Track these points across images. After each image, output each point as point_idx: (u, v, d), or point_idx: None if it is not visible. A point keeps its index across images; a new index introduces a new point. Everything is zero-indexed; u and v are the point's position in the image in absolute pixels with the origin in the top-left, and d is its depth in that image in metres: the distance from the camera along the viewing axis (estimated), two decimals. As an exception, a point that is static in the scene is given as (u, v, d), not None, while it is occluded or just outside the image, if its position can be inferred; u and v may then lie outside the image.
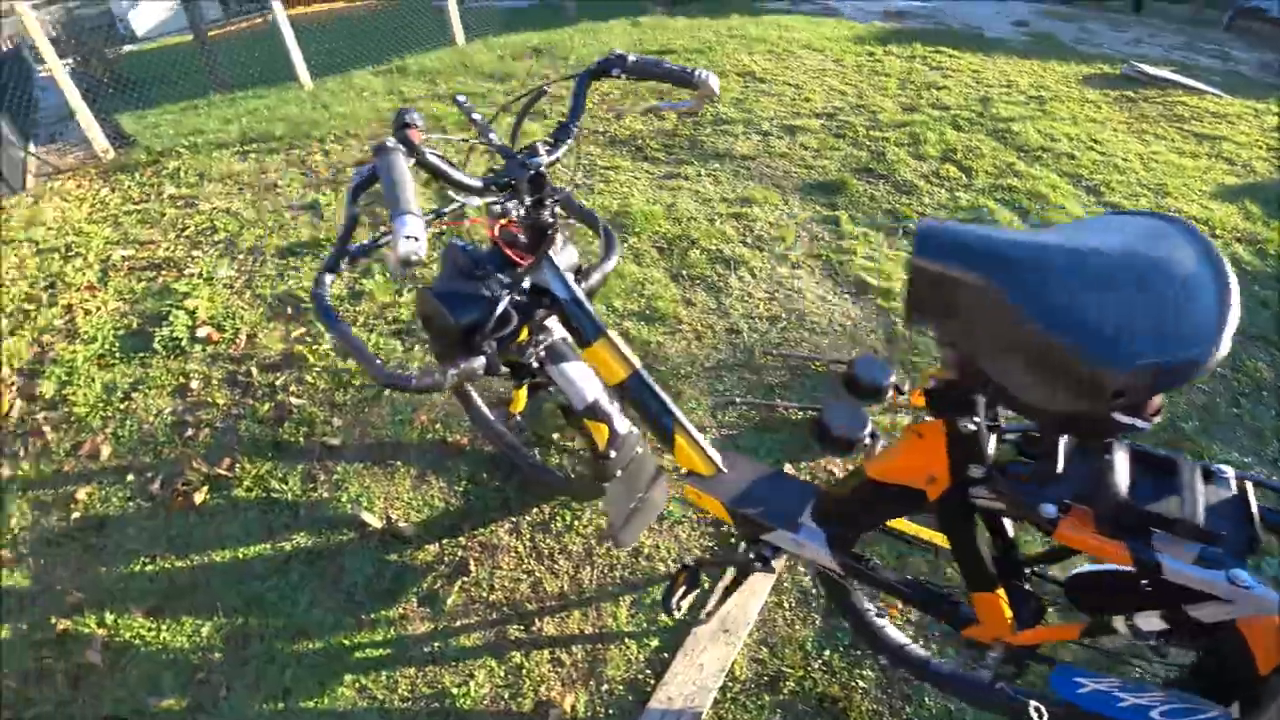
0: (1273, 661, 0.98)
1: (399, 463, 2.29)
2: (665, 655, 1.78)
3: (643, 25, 6.23)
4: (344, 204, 1.35)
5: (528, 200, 1.39)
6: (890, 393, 2.58)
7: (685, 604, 1.68)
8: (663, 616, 1.86)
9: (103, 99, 5.08)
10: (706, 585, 1.91)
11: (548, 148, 1.43)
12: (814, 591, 1.94)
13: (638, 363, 1.46)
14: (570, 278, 1.51)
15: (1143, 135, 4.52)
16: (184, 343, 2.91)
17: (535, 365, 1.58)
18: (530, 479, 2.18)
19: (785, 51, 5.51)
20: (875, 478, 1.25)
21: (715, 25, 6.19)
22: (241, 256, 3.56)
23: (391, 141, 1.20)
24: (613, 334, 1.44)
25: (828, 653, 1.83)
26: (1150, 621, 1.03)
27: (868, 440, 2.38)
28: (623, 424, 1.62)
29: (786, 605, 1.92)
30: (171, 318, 3.07)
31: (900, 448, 1.22)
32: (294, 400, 2.54)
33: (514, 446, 2.19)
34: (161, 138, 5.04)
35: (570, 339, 1.58)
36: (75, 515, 2.24)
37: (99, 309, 3.32)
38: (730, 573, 1.91)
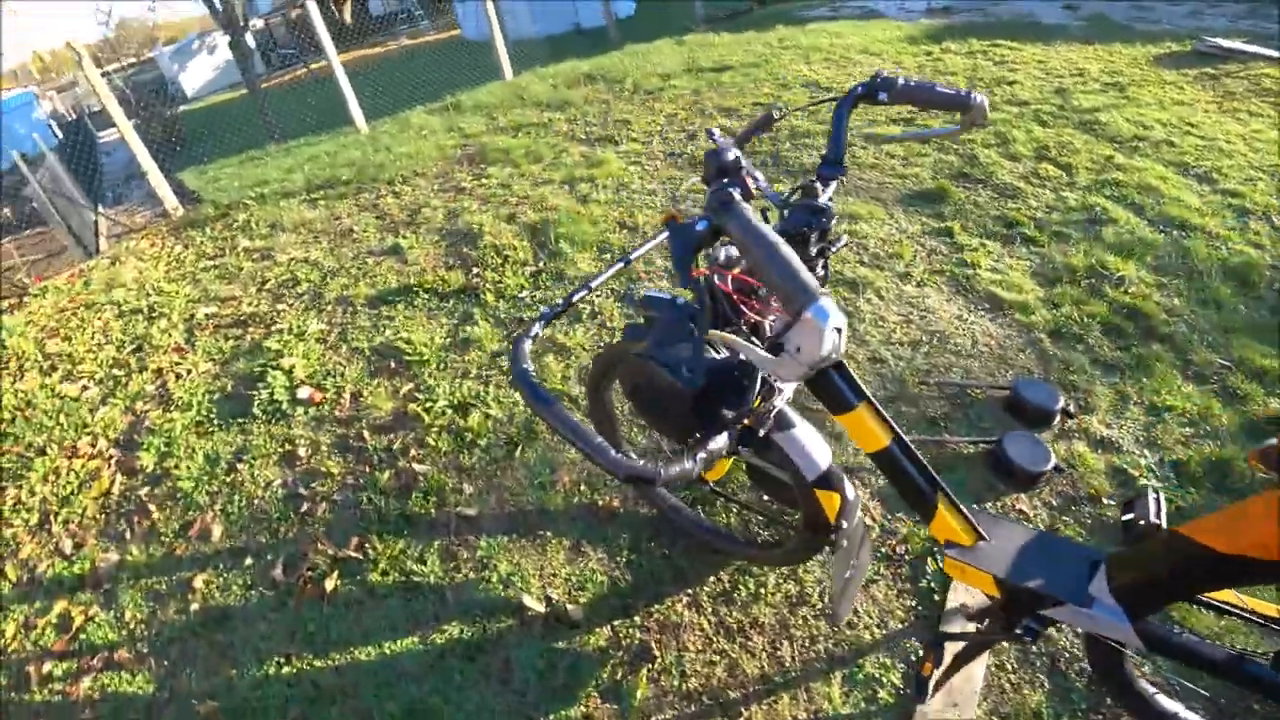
0: None
1: (548, 533, 2.14)
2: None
3: (689, 44, 6.13)
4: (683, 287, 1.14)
5: (812, 250, 1.26)
6: (1059, 417, 2.43)
7: (938, 686, 1.53)
8: (882, 694, 1.72)
9: (166, 158, 5.07)
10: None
11: (820, 188, 1.29)
12: (1035, 649, 1.78)
13: (897, 428, 1.32)
14: None
15: (1236, 114, 4.31)
16: (284, 405, 2.83)
17: (763, 434, 1.45)
18: (705, 543, 2.05)
19: (843, 58, 5.37)
20: (1218, 549, 1.10)
21: (764, 38, 6.07)
22: (329, 308, 3.49)
23: (730, 192, 1.05)
24: (869, 405, 1.31)
25: (1065, 719, 1.68)
26: None
27: (1052, 473, 2.23)
28: (851, 490, 1.50)
29: (1009, 667, 1.77)
30: (269, 378, 2.99)
31: (1241, 513, 1.08)
32: (416, 466, 2.42)
33: (677, 508, 2.07)
34: (226, 191, 5.01)
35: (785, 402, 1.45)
36: (195, 607, 2.11)
37: (190, 371, 3.27)
38: (980, 653, 1.76)
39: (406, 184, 4.53)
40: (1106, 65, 5.11)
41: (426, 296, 3.28)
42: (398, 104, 5.67)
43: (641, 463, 1.01)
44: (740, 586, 1.95)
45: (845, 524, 1.49)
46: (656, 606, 1.92)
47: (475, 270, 3.36)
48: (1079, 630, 1.60)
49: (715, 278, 1.30)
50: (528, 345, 1.21)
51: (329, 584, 2.09)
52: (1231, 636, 1.67)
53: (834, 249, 1.31)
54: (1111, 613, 1.28)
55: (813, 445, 1.45)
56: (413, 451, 2.49)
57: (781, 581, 1.95)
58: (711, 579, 1.97)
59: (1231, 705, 1.57)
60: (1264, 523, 1.04)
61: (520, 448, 2.42)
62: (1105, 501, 2.11)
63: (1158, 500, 1.27)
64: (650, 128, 4.42)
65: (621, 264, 1.45)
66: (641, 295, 1.49)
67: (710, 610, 1.91)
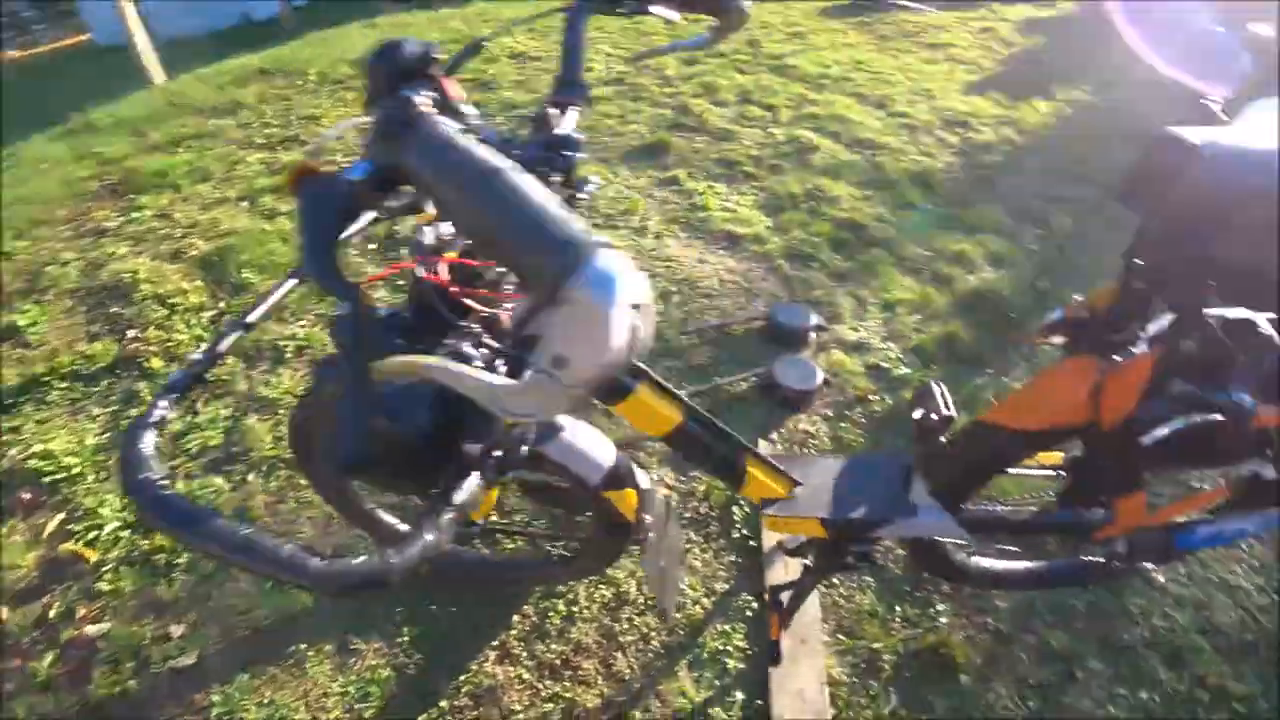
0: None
1: (301, 644, 1.59)
2: (759, 702, 1.47)
3: (380, 26, 5.56)
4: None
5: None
6: (814, 333, 2.45)
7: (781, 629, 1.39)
8: (731, 663, 1.55)
9: None
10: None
11: (556, 116, 0.96)
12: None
13: (686, 400, 1.09)
14: None
15: (890, 52, 4.87)
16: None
17: (524, 452, 1.10)
18: (496, 581, 1.71)
19: (548, 27, 5.20)
20: (1021, 427, 1.11)
21: (463, 13, 5.70)
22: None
23: (413, 100, 0.69)
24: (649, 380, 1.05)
25: (899, 608, 1.65)
26: None
27: (822, 387, 2.22)
28: (645, 478, 1.26)
29: (835, 580, 1.70)
30: None
31: (1047, 388, 1.14)
32: (91, 630, 1.64)
33: (451, 555, 1.69)
34: None
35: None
36: None
37: None
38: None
39: (21, 239, 3.38)
40: (785, 18, 5.52)
41: (65, 386, 2.36)
42: (8, 133, 4.43)
43: (361, 559, 0.63)
44: (550, 615, 1.64)
45: (647, 517, 1.24)
46: (462, 677, 1.54)
47: (132, 333, 2.52)
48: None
49: (422, 269, 0.89)
50: (149, 440, 0.69)
51: None
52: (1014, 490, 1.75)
53: (583, 193, 0.97)
54: (935, 514, 1.23)
55: (590, 446, 1.18)
56: (81, 611, 1.74)
57: (593, 591, 1.68)
58: (516, 619, 1.64)
59: (1030, 549, 1.64)
60: (1071, 391, 1.06)
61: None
62: (871, 399, 2.14)
63: (941, 391, 1.19)
64: (344, 120, 3.86)
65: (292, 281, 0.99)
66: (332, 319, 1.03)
67: (525, 655, 1.58)
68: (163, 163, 3.65)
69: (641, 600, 1.66)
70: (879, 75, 4.39)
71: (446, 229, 0.94)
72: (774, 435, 2.01)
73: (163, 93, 4.56)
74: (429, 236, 0.92)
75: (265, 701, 1.50)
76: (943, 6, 5.81)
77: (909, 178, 3.30)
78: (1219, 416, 0.99)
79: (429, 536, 0.68)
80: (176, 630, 1.63)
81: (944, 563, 1.44)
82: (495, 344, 0.84)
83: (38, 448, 2.09)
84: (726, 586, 1.68)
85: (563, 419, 1.17)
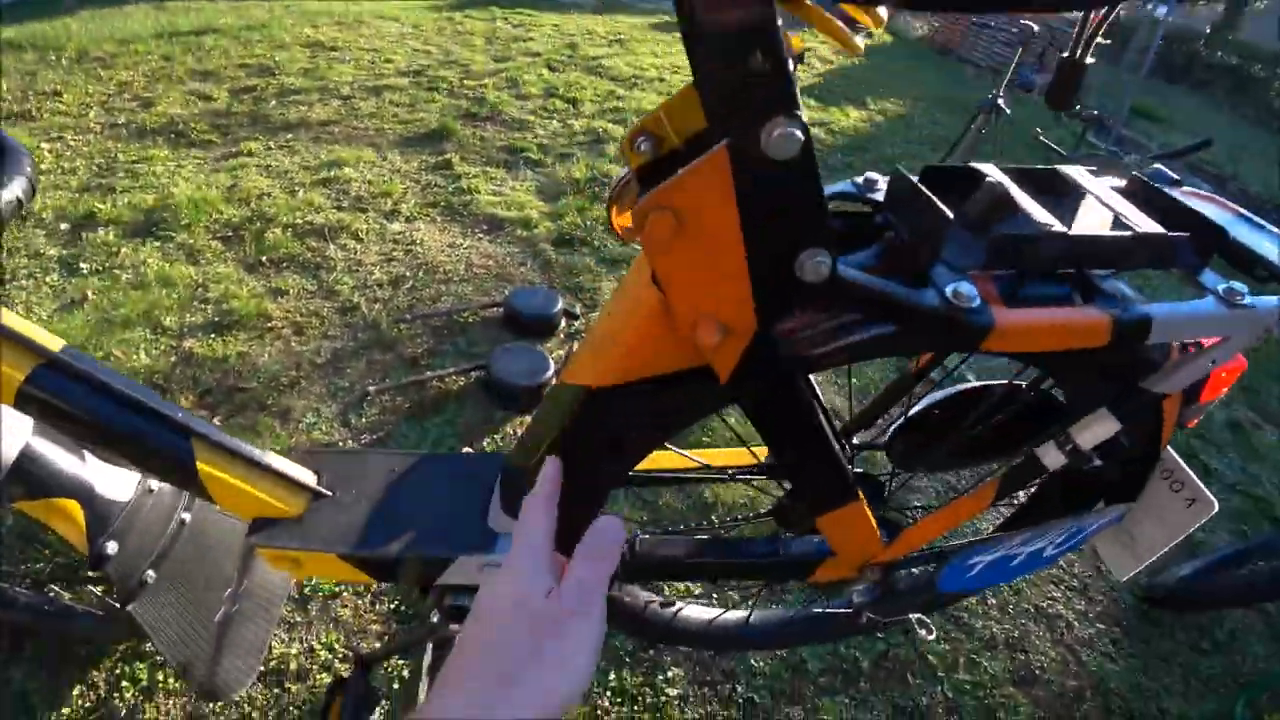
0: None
1: None
2: None
3: (170, 9, 4.84)
4: None
5: None
6: (563, 321, 2.09)
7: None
8: None
9: None
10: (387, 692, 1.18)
11: None
12: None
13: (50, 339, 0.64)
14: None
15: (712, 59, 4.76)
16: None
17: None
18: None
19: (356, 21, 4.71)
20: (612, 382, 0.62)
21: (265, 4, 5.09)
22: None
23: None
24: None
25: (613, 675, 1.26)
26: (1089, 434, 0.68)
27: (549, 383, 1.85)
28: (119, 482, 0.80)
29: None
30: None
31: (632, 319, 0.59)
32: None
33: None
34: None
35: None
36: None
37: None
38: (428, 651, 1.19)
39: None
40: (612, 29, 5.32)
41: None
42: None
43: None
44: (123, 688, 1.14)
45: (113, 546, 0.79)
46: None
47: None
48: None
49: None
50: None
51: None
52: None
53: None
54: None
55: None
56: None
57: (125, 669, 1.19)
58: (68, 701, 1.13)
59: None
60: (651, 322, 0.56)
61: None
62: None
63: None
64: (89, 98, 3.22)
65: None
66: None
67: None
68: None
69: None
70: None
71: None
72: (485, 442, 1.60)
73: None
74: None
75: None
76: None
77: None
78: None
79: None
80: None
81: (615, 611, 0.99)
82: None
83: None
84: (378, 645, 1.25)
85: None
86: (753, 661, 1.32)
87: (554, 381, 1.65)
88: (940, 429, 0.82)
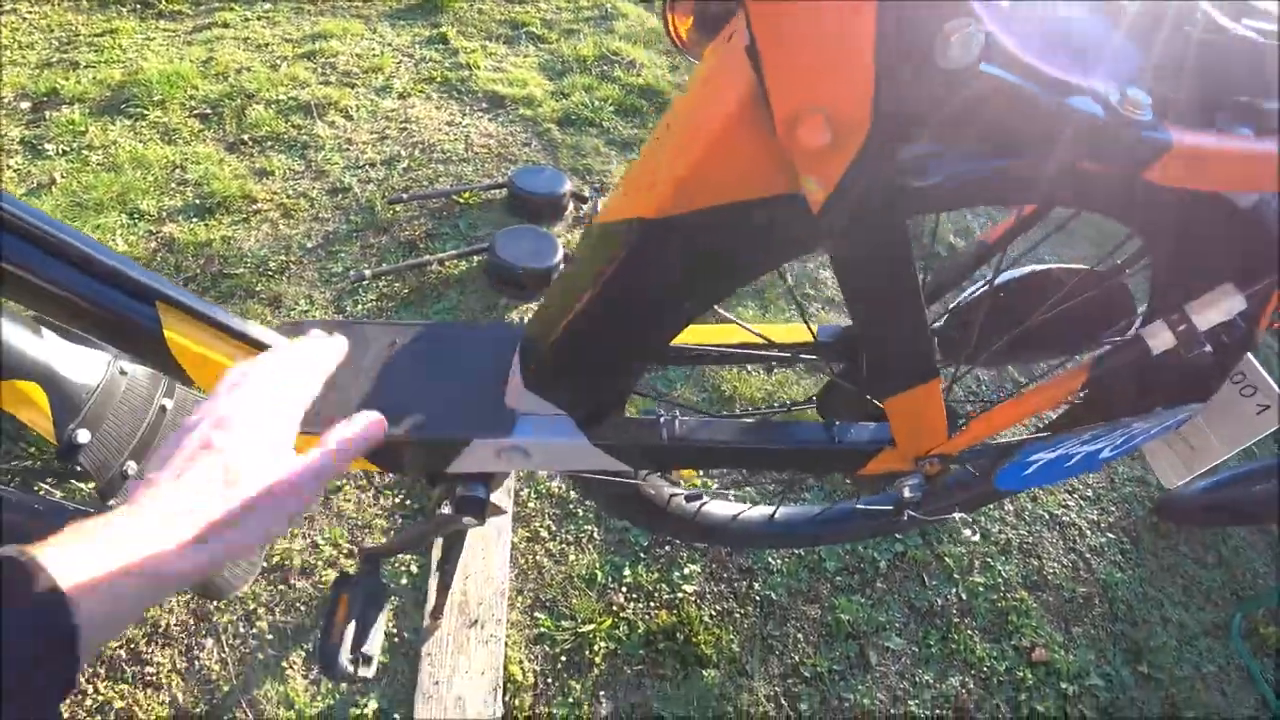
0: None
1: None
2: (398, 718, 0.96)
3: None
4: None
5: None
6: (571, 203, 1.89)
7: (377, 646, 0.78)
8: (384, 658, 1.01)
9: None
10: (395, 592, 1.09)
11: None
12: (572, 495, 1.23)
13: None
14: None
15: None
16: None
17: None
18: None
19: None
20: (675, 210, 0.46)
21: None
22: None
23: None
24: None
25: (629, 571, 1.17)
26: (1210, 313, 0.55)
27: (561, 268, 1.68)
28: (87, 364, 0.67)
29: (544, 533, 1.20)
30: None
31: (705, 125, 0.43)
32: None
33: None
34: None
35: None
36: None
37: None
38: (437, 546, 1.10)
39: None
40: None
41: None
42: None
43: None
44: None
45: (84, 435, 0.67)
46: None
47: None
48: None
49: None
50: None
51: None
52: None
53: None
54: (549, 429, 0.66)
55: None
56: None
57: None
58: None
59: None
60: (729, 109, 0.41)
61: None
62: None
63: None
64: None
65: None
66: None
67: None
68: None
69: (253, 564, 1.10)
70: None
71: None
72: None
73: None
74: None
75: None
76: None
77: (727, 50, 2.77)
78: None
79: None
80: None
81: (632, 503, 0.87)
82: None
83: None
84: (383, 540, 1.15)
85: None
86: (770, 559, 1.25)
87: (560, 265, 1.49)
88: (1003, 316, 0.69)
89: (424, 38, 2.46)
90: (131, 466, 0.77)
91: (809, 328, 0.75)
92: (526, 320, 0.72)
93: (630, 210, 0.48)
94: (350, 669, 0.77)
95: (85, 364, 0.75)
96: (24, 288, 0.52)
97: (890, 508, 0.87)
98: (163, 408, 0.82)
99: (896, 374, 0.61)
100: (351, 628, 0.77)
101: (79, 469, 0.73)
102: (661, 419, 0.71)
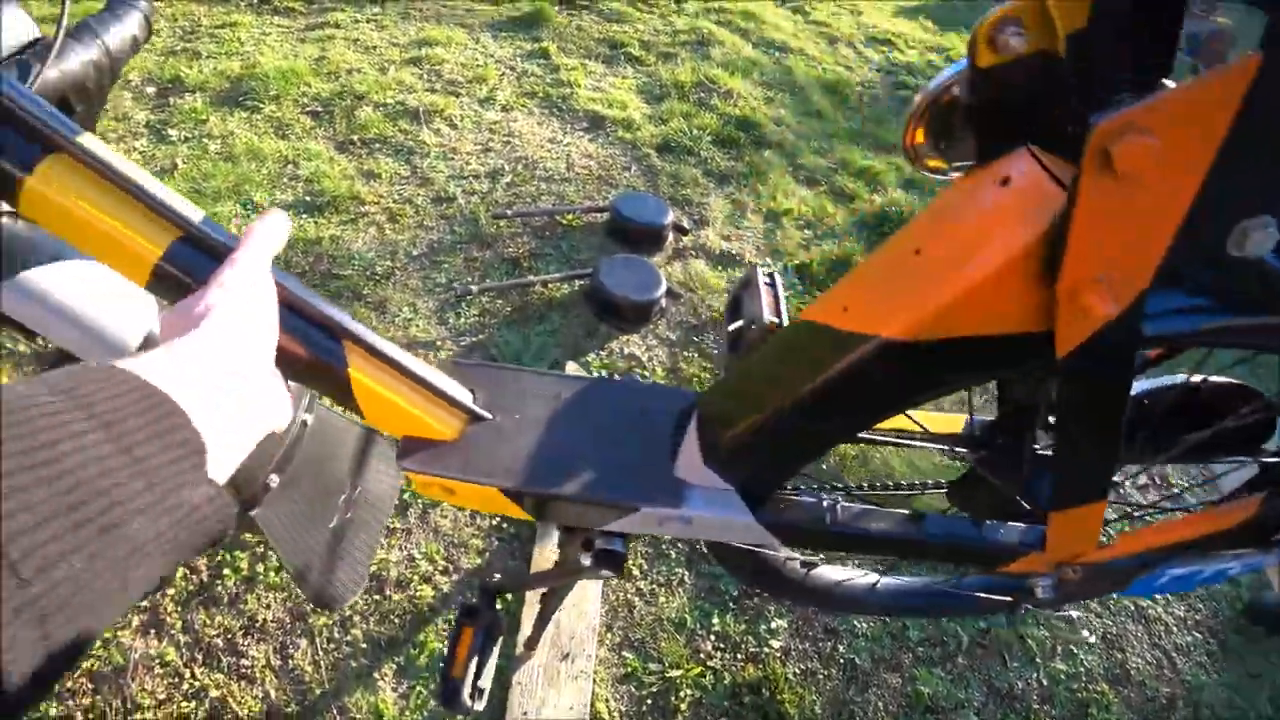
0: None
1: None
2: None
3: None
4: None
5: None
6: (671, 234, 1.89)
7: (489, 679, 0.80)
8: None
9: None
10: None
11: None
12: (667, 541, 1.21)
13: (188, 208, 0.49)
14: None
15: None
16: None
17: None
18: None
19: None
20: (918, 336, 0.49)
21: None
22: None
23: None
24: (95, 143, 0.46)
25: (718, 620, 1.14)
26: None
27: (666, 300, 1.68)
28: None
29: (635, 571, 1.18)
30: None
31: (973, 266, 0.46)
32: None
33: None
34: None
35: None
36: None
37: None
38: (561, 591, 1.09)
39: None
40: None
41: None
42: None
43: None
44: (225, 573, 1.08)
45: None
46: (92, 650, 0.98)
47: None
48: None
49: None
50: None
51: None
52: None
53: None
54: (716, 502, 0.65)
55: (96, 303, 0.59)
56: None
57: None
58: (182, 574, 1.07)
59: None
60: (993, 245, 0.45)
61: None
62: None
63: (772, 284, 0.62)
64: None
65: None
66: None
67: (179, 628, 1.02)
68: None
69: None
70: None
71: None
72: (589, 357, 1.45)
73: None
74: None
75: None
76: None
77: (819, 85, 2.76)
78: None
79: None
80: None
81: (751, 565, 0.86)
82: None
83: None
84: (478, 562, 1.15)
85: (56, 248, 0.58)
86: (855, 622, 1.21)
87: (664, 300, 1.48)
88: (1151, 422, 0.68)
89: (525, 51, 2.50)
90: (274, 479, 0.78)
91: (968, 419, 0.74)
92: (702, 392, 0.71)
93: (868, 325, 0.51)
94: (470, 704, 0.77)
95: None
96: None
97: (1008, 596, 0.84)
98: (304, 422, 0.83)
99: (1075, 491, 0.61)
100: (474, 663, 0.77)
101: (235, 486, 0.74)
102: (825, 502, 0.71)
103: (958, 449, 0.77)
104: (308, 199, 1.74)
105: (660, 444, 0.67)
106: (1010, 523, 0.72)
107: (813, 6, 3.48)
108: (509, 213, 1.69)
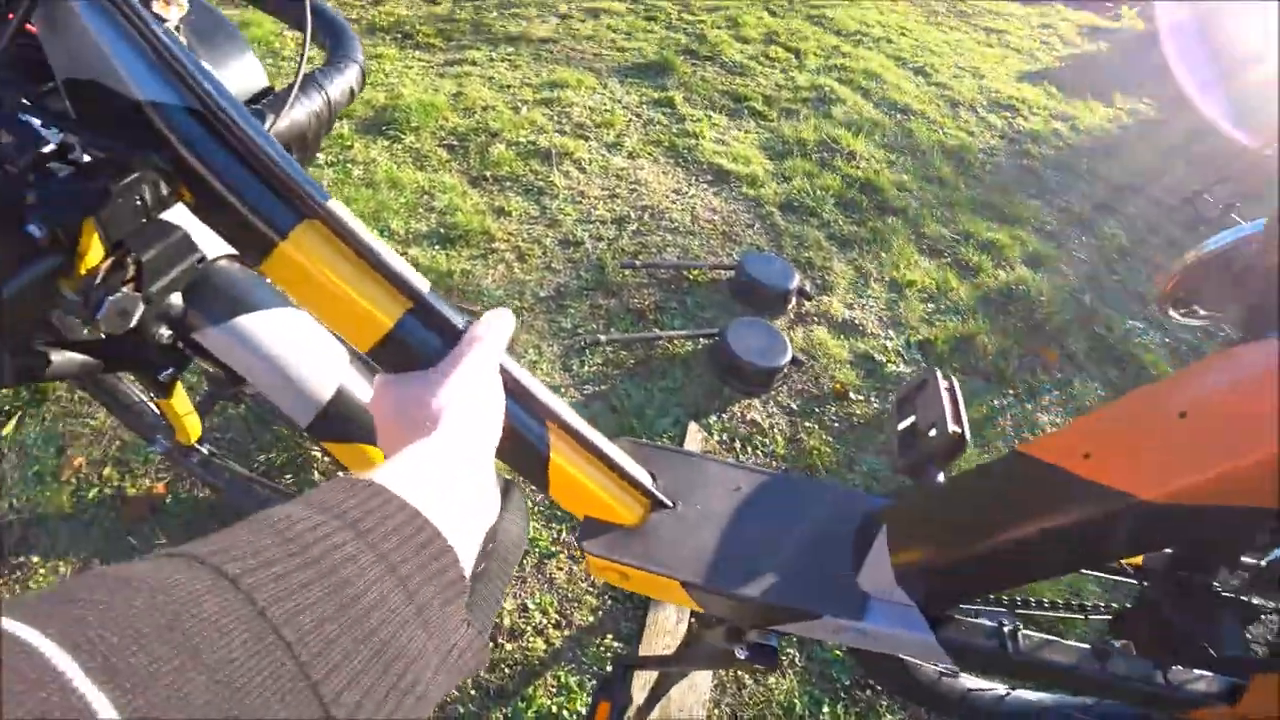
0: None
1: (34, 558, 1.11)
2: None
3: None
4: None
5: None
6: (794, 299, 1.85)
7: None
8: None
9: None
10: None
11: None
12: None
13: (418, 279, 0.50)
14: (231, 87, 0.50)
15: (940, 26, 4.20)
16: None
17: (165, 335, 0.55)
18: None
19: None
20: (1176, 500, 0.49)
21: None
22: None
23: None
24: (341, 210, 0.46)
25: (827, 708, 1.08)
26: None
27: (790, 367, 1.63)
28: None
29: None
30: None
31: (1247, 442, 0.46)
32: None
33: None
34: None
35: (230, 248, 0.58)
36: None
37: None
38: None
39: None
40: (829, -23, 4.82)
41: None
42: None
43: None
44: None
45: None
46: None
47: None
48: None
49: None
50: None
51: None
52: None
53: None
54: (898, 618, 0.62)
55: (298, 351, 0.60)
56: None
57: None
58: None
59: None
60: (1255, 420, 0.45)
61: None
62: (853, 397, 1.55)
63: (951, 391, 0.58)
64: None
65: None
66: None
67: None
68: None
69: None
70: (923, 44, 3.74)
71: None
72: (711, 420, 1.42)
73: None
74: None
75: None
76: (1003, -5, 5.10)
77: (941, 150, 2.69)
78: None
79: None
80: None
81: (901, 674, 0.83)
82: None
83: None
84: (591, 620, 1.11)
85: (264, 296, 0.59)
86: None
87: (788, 365, 1.43)
88: None
89: (651, 99, 2.54)
90: None
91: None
92: (890, 505, 0.67)
93: (1118, 480, 0.50)
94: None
95: None
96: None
97: None
98: (507, 479, 0.83)
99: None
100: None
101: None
102: (1006, 627, 0.67)
103: (1135, 579, 0.72)
104: (441, 230, 1.79)
105: (842, 550, 0.65)
106: (1198, 669, 0.68)
107: (935, 69, 3.43)
108: (636, 263, 1.69)
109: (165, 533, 1.17)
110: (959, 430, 0.68)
